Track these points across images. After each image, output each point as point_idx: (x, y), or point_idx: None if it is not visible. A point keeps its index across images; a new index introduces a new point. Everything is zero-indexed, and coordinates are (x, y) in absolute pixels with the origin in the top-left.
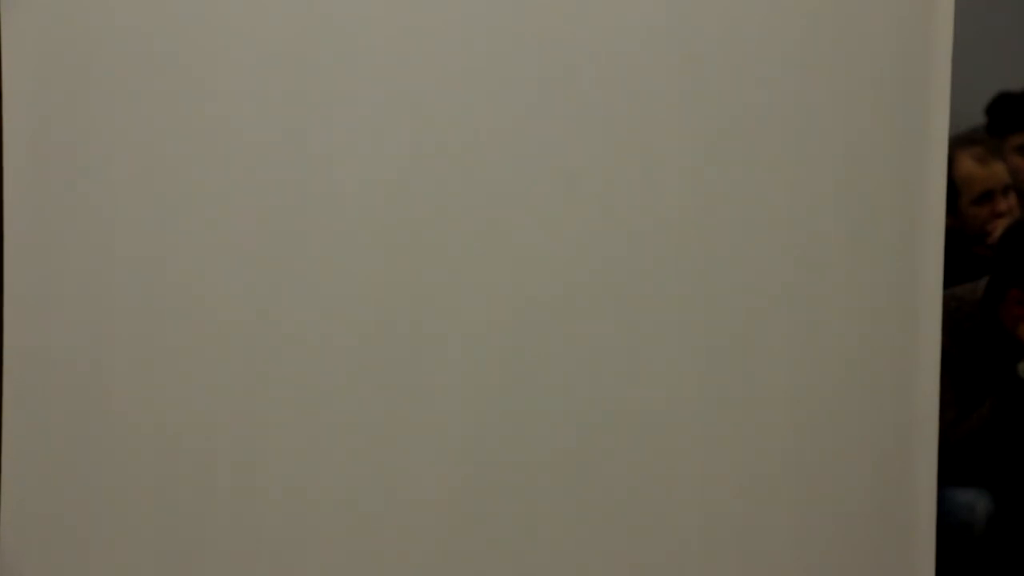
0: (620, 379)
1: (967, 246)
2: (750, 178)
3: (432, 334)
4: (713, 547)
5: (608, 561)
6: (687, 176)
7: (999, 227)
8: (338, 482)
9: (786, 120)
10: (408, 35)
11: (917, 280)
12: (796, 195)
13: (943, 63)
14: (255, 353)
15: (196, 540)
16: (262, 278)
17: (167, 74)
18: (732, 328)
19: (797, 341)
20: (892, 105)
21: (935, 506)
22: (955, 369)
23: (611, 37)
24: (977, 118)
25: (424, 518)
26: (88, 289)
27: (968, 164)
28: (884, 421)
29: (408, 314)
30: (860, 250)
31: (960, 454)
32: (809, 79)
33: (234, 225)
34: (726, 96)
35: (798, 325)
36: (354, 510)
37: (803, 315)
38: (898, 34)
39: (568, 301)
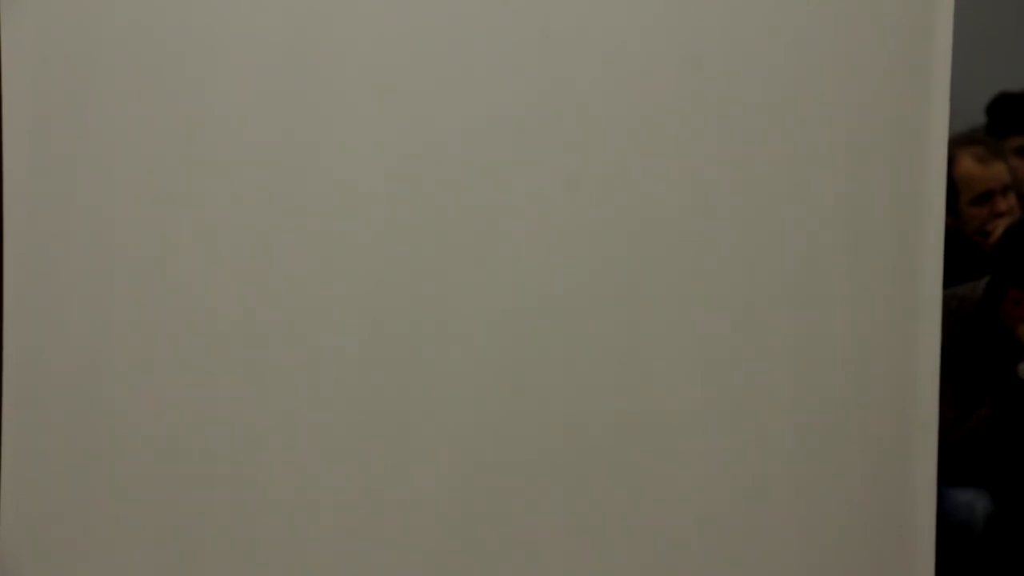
0: (620, 380)
1: (967, 240)
2: (750, 178)
3: (432, 336)
4: (713, 546)
5: (609, 562)
6: (687, 176)
7: (999, 227)
8: (338, 483)
9: (786, 120)
10: (408, 36)
11: (917, 280)
12: (796, 195)
13: (943, 63)
14: (255, 353)
15: (196, 540)
16: (262, 278)
17: (167, 74)
18: (732, 328)
19: (797, 341)
20: (892, 105)
21: (935, 506)
22: (955, 369)
23: (611, 38)
24: (977, 118)
25: (424, 519)
26: (88, 289)
27: (968, 164)
28: (884, 421)
29: (408, 316)
30: (860, 250)
31: (960, 454)
32: (809, 79)
33: (234, 226)
34: (726, 96)
35: (798, 325)
36: (354, 511)
37: (803, 315)
38: (898, 34)
39: (568, 303)
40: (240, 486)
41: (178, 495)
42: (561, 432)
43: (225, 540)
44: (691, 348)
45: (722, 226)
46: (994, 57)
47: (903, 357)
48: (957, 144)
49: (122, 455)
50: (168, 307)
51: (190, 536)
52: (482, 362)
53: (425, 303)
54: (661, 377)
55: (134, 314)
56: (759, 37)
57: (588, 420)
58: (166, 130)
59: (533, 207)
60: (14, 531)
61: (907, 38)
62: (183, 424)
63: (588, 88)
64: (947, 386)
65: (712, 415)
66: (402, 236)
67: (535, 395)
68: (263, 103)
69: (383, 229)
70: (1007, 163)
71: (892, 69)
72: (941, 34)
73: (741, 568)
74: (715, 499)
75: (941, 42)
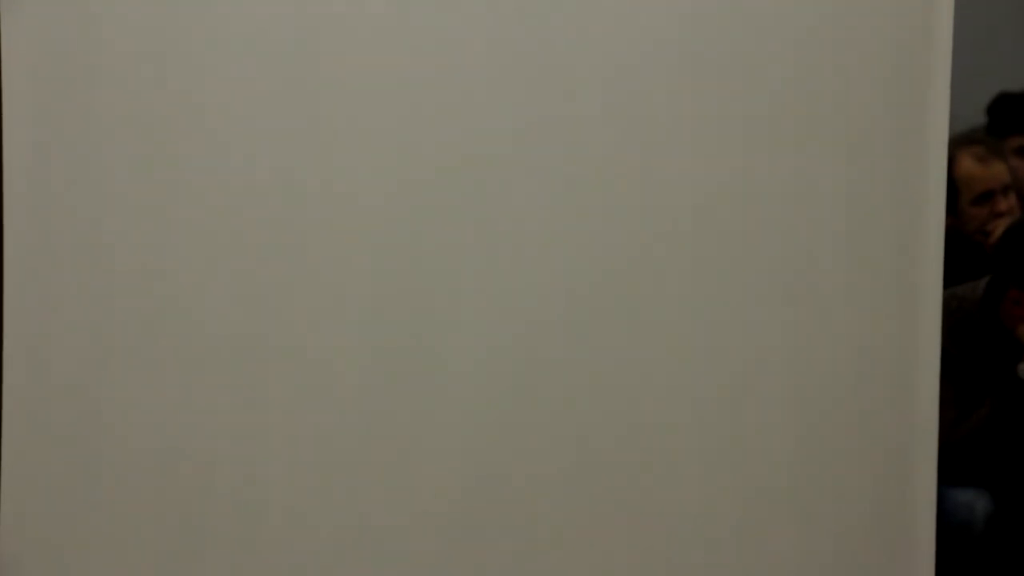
0: (620, 383)
1: (967, 240)
2: (750, 179)
3: (434, 343)
4: (714, 547)
5: (611, 566)
6: (687, 178)
7: (999, 227)
8: (339, 488)
9: (786, 120)
10: (410, 41)
11: (917, 280)
12: (796, 195)
13: (943, 63)
14: (256, 357)
15: (196, 542)
16: (263, 279)
17: (168, 75)
18: (732, 329)
19: (797, 341)
20: (892, 105)
21: (935, 506)
22: (955, 369)
23: (613, 41)
24: (977, 118)
25: (426, 529)
26: (88, 290)
27: (968, 164)
28: (884, 421)
29: (411, 323)
30: (860, 250)
31: (960, 454)
32: (809, 79)
33: (235, 227)
34: (726, 97)
35: (798, 325)
36: (355, 519)
37: (803, 315)
38: (898, 34)
39: (569, 305)
40: (240, 487)
41: (177, 496)
42: (562, 436)
43: (224, 541)
44: (691, 349)
45: (722, 227)
46: (994, 57)
47: (903, 357)
48: (957, 144)
49: (122, 455)
50: (168, 308)
51: (190, 539)
52: (482, 369)
53: (426, 309)
54: (661, 378)
55: (134, 314)
56: (759, 37)
57: (588, 423)
58: (166, 131)
59: (535, 211)
60: (14, 531)
61: (907, 38)
62: (183, 425)
63: (588, 90)
64: (947, 386)
65: (712, 416)
66: (403, 241)
67: (538, 402)
68: (265, 105)
69: (384, 234)
70: (1007, 163)
71: (892, 69)
72: (941, 34)
73: (742, 568)
74: (716, 500)
75: (941, 42)
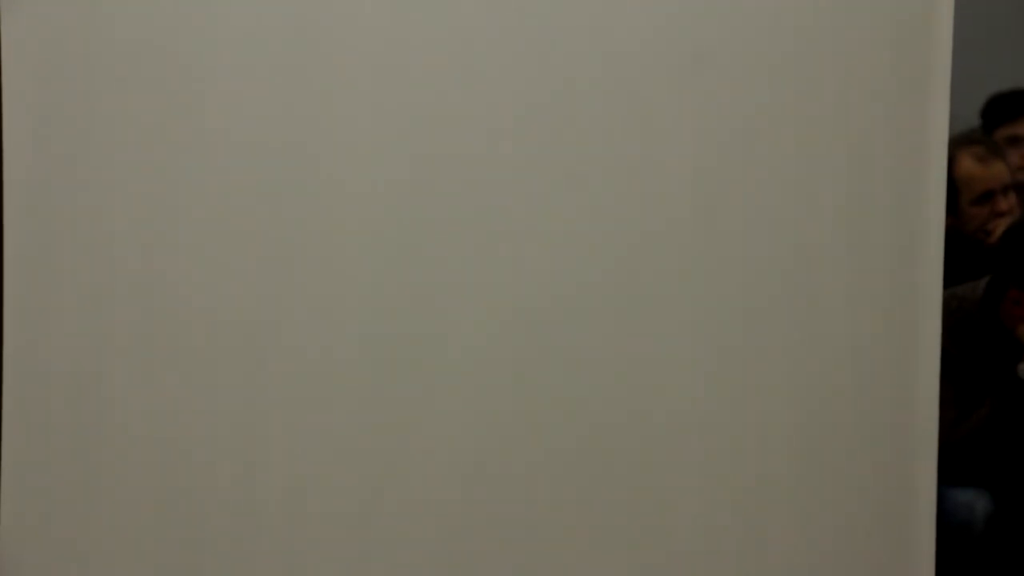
0: (620, 381)
1: (967, 240)
2: (750, 179)
3: (434, 340)
4: (714, 546)
5: (610, 563)
6: (687, 177)
7: (999, 227)
8: (340, 486)
9: (786, 121)
10: (410, 40)
11: (917, 280)
12: (796, 196)
13: (943, 63)
14: (256, 356)
15: (196, 542)
16: (263, 278)
17: (168, 76)
18: (732, 329)
19: (797, 341)
20: (892, 105)
21: (935, 506)
22: (955, 369)
23: (612, 39)
24: (977, 118)
25: (426, 525)
26: (88, 291)
27: (968, 164)
28: (884, 421)
29: (410, 320)
30: (860, 250)
31: (960, 454)
32: (809, 79)
33: (235, 228)
34: (726, 97)
35: (798, 325)
36: (356, 515)
37: (803, 315)
38: (898, 34)
39: (568, 303)
40: (240, 487)
41: (178, 496)
42: (562, 433)
43: (225, 541)
44: (692, 349)
45: (723, 226)
46: (994, 57)
47: (903, 357)
48: (957, 144)
49: (122, 455)
50: (168, 307)
51: (191, 539)
52: (483, 364)
53: (426, 305)
54: (662, 378)
55: (134, 314)
56: (759, 38)
57: (588, 421)
58: (166, 130)
59: (534, 208)
60: (14, 531)
61: (907, 38)
62: (183, 425)
63: (589, 93)
64: (947, 386)
65: (713, 415)
66: (403, 237)
67: (538, 399)
68: (265, 103)
69: (383, 231)
70: (1006, 161)
71: (892, 69)
72: (941, 34)
73: (742, 568)
74: (716, 499)
75: (941, 42)
